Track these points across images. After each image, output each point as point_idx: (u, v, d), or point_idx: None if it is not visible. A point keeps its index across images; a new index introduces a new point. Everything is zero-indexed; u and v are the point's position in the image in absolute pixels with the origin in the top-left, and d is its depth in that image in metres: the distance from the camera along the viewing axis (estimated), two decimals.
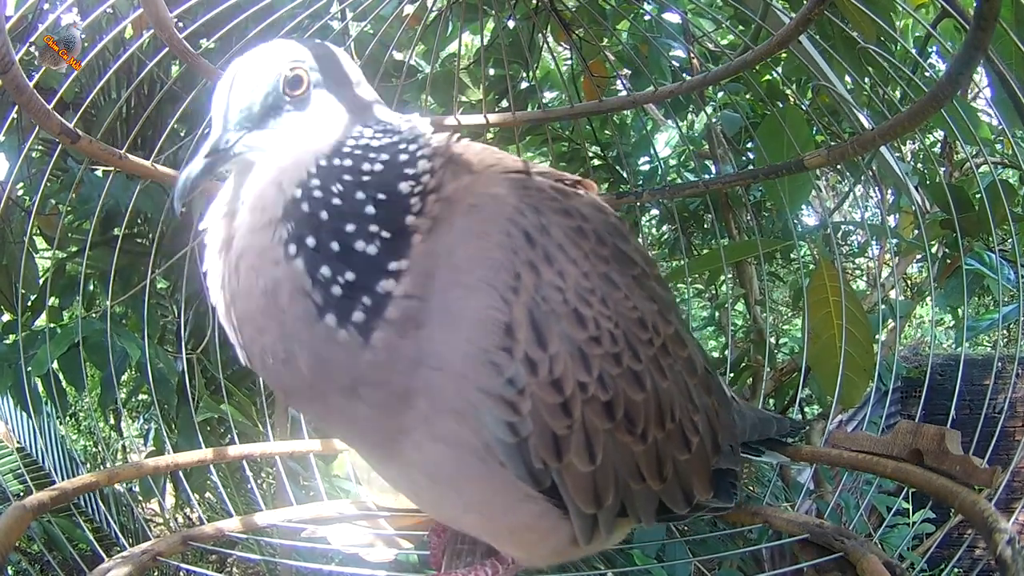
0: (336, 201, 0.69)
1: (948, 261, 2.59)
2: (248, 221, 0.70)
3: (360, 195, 0.69)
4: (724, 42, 2.73)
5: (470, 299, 0.72)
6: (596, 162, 3.11)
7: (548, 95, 3.29)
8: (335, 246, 0.68)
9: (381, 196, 0.70)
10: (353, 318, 0.68)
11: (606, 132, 3.01)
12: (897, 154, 2.94)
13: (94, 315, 2.44)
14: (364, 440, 0.83)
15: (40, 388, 2.39)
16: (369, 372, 0.70)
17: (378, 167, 0.71)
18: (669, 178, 3.42)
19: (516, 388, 0.72)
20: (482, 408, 0.72)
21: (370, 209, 0.69)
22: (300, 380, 0.71)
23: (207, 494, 3.37)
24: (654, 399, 0.81)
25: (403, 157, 0.73)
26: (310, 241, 0.68)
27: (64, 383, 2.37)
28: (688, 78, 1.49)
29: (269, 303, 0.68)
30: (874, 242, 3.27)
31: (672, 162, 3.69)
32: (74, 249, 2.82)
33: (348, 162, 0.71)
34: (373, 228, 0.68)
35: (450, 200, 0.75)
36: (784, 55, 1.92)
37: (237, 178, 0.75)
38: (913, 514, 3.19)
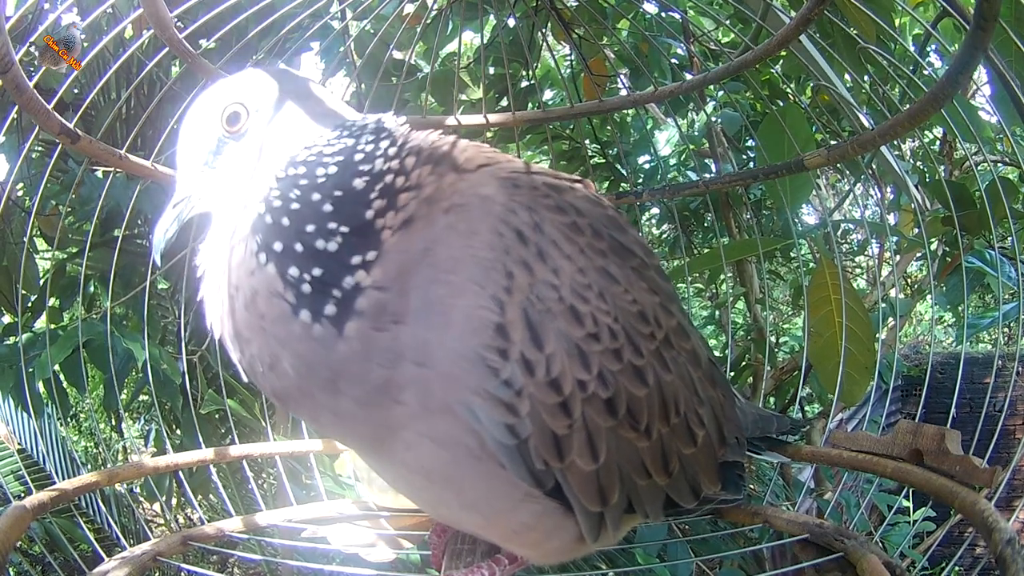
0: (294, 206, 0.73)
1: (948, 259, 2.58)
2: (226, 247, 0.76)
3: (316, 196, 0.73)
4: (724, 40, 2.73)
5: (457, 299, 0.71)
6: (596, 161, 3.11)
7: (548, 94, 3.29)
8: (299, 247, 0.71)
9: (338, 193, 0.73)
10: (326, 312, 0.70)
11: (607, 130, 3.01)
12: (896, 152, 2.93)
13: (95, 316, 2.44)
14: (356, 439, 0.83)
15: (41, 389, 2.39)
16: (347, 364, 0.71)
17: (332, 169, 0.74)
18: (669, 176, 3.42)
19: (513, 389, 0.71)
20: (477, 409, 0.72)
21: (327, 207, 0.72)
22: (288, 382, 0.73)
23: (208, 495, 3.37)
24: (657, 393, 0.80)
25: (358, 156, 0.75)
26: (277, 246, 0.72)
27: (65, 384, 2.37)
28: (688, 77, 1.48)
29: (250, 314, 0.73)
30: (874, 240, 3.27)
31: (672, 161, 3.69)
32: (74, 250, 2.82)
33: (302, 169, 0.74)
34: (332, 225, 0.71)
35: (431, 199, 0.75)
36: (784, 54, 1.91)
37: (217, 215, 0.81)
38: (914, 512, 3.19)
